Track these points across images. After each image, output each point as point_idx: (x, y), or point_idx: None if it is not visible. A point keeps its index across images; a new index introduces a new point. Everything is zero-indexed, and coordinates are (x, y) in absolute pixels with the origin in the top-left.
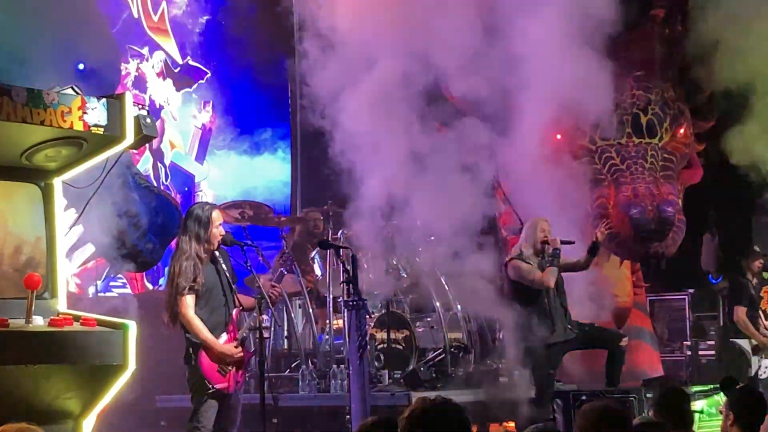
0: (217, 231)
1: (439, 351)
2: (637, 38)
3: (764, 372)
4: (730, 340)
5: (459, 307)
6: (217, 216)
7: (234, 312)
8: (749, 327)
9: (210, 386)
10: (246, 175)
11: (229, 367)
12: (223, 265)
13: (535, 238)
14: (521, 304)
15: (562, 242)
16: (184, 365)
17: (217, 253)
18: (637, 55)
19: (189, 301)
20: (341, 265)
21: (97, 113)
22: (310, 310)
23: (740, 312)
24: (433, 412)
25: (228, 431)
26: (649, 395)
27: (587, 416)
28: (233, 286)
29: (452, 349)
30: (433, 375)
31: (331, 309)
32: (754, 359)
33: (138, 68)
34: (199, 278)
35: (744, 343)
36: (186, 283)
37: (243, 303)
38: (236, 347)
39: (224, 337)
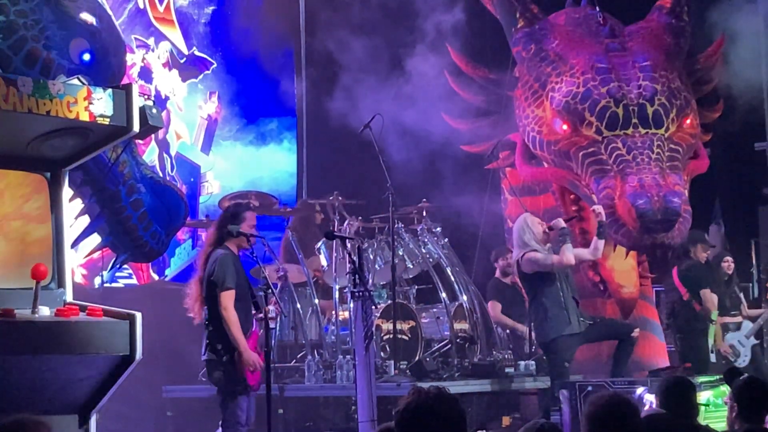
0: (250, 231)
1: (445, 342)
2: (643, 29)
3: (743, 360)
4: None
5: (465, 297)
6: (249, 216)
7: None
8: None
9: (246, 383)
10: (252, 166)
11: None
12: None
13: (535, 233)
14: (535, 297)
15: (565, 221)
16: (209, 361)
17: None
18: (643, 46)
19: (232, 296)
20: (347, 255)
21: (102, 104)
22: (316, 301)
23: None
24: (428, 405)
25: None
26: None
27: (596, 405)
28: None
29: (458, 340)
30: (439, 366)
31: (337, 300)
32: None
33: (143, 59)
34: (240, 277)
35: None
36: (231, 280)
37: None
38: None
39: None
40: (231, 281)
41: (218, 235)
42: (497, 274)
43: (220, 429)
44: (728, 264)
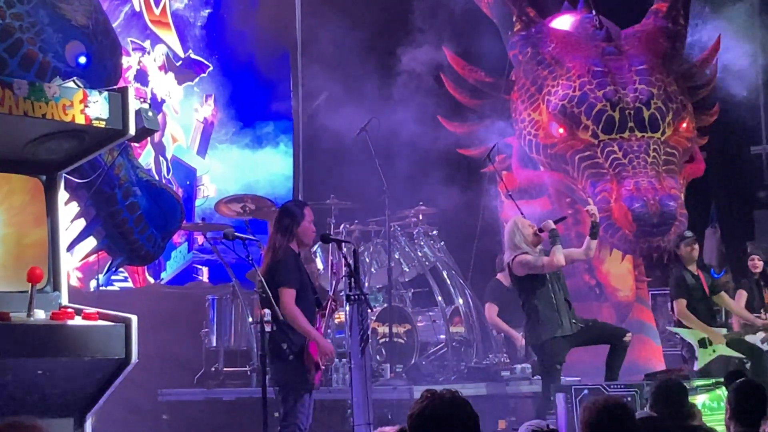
0: (310, 226)
1: (441, 345)
2: (639, 32)
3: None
4: (667, 328)
5: (461, 300)
6: (308, 212)
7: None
8: (690, 318)
9: (311, 382)
10: (248, 169)
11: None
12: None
13: (525, 236)
14: (527, 299)
15: (555, 222)
16: (272, 363)
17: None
18: (639, 50)
19: (293, 294)
20: (343, 259)
21: (98, 107)
22: None
23: (681, 305)
24: (443, 409)
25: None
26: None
27: (591, 410)
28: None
29: (454, 344)
30: (435, 369)
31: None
32: (702, 351)
33: (140, 62)
34: (302, 275)
35: (686, 334)
36: (292, 280)
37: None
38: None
39: None
40: (292, 281)
41: (277, 235)
42: (499, 275)
43: (279, 428)
44: (753, 262)
